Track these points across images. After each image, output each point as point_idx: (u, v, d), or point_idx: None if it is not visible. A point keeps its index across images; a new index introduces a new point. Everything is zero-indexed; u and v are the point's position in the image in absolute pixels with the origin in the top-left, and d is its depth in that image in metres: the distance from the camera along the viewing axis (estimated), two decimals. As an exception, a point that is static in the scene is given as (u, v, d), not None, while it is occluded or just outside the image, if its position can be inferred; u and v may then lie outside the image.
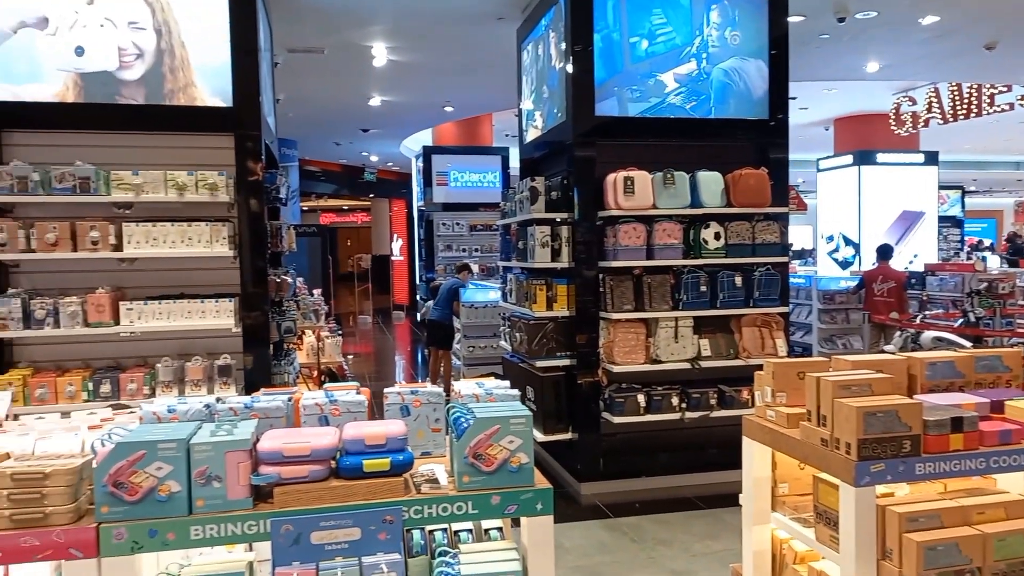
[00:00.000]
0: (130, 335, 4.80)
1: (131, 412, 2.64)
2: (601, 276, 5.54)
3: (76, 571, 1.98)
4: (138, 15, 4.80)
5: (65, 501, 1.98)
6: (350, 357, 9.13)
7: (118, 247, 4.71)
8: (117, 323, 4.71)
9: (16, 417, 2.61)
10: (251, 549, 2.36)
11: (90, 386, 4.66)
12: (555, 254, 5.67)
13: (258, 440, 2.14)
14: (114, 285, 4.88)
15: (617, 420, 5.42)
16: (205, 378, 4.77)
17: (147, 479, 2.00)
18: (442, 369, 9.42)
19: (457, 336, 9.39)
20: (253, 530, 2.05)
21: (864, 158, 13.51)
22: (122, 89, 4.83)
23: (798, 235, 20.23)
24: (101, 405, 4.34)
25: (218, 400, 2.41)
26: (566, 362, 5.72)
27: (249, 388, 4.87)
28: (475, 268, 12.25)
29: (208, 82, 4.93)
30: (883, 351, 7.89)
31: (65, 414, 2.63)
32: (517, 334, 6.06)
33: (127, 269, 4.96)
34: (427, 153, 14.42)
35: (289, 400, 2.45)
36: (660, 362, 5.48)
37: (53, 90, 4.76)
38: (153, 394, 4.66)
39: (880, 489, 2.42)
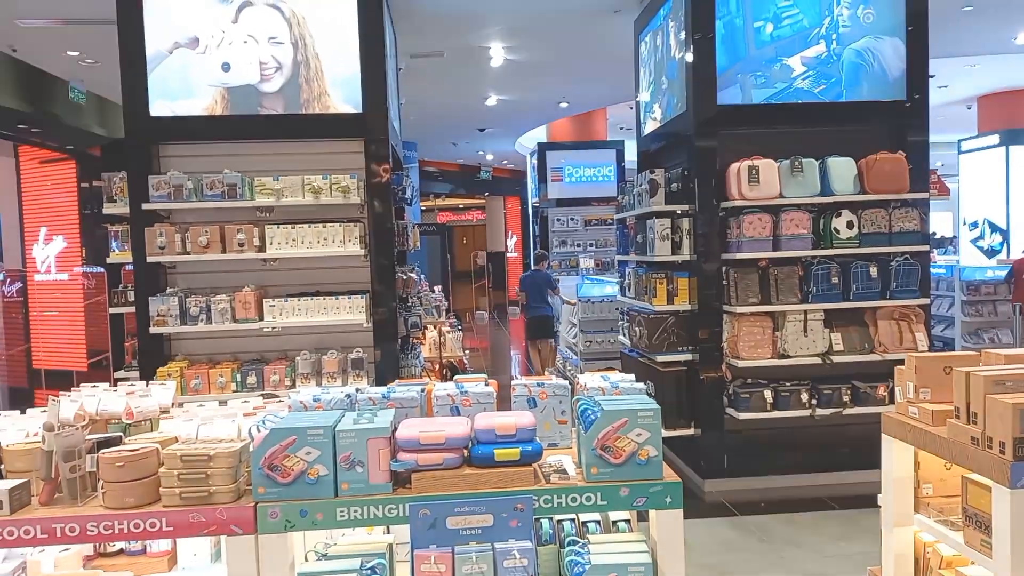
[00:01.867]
0: (272, 330, 5.15)
1: (279, 401, 2.83)
2: (724, 269, 5.42)
3: (237, 546, 2.14)
4: (277, 30, 5.12)
5: (227, 481, 2.16)
6: (467, 352, 9.36)
7: (261, 248, 5.04)
8: (261, 319, 5.05)
9: (182, 405, 2.86)
10: (388, 531, 2.49)
11: (238, 377, 5.02)
12: (676, 247, 5.60)
13: (395, 429, 2.26)
14: (258, 284, 5.23)
15: (742, 416, 5.29)
16: (340, 370, 5.03)
17: (298, 463, 2.15)
18: (545, 359, 9.61)
19: (557, 327, 9.66)
20: (393, 513, 2.16)
21: (1013, 137, 12.47)
22: (263, 101, 5.17)
23: (937, 222, 18.87)
24: (250, 395, 4.67)
25: (357, 390, 2.56)
26: (687, 357, 5.63)
27: (379, 380, 5.10)
28: (588, 262, 12.31)
29: (340, 90, 5.19)
30: (1039, 346, 7.27)
31: (221, 403, 2.85)
32: (636, 328, 6.02)
33: (269, 268, 5.31)
34: (541, 149, 14.48)
35: (422, 391, 2.56)
36: (788, 357, 5.31)
37: (203, 104, 5.15)
38: (293, 385, 4.97)
39: (1039, 492, 2.26)
